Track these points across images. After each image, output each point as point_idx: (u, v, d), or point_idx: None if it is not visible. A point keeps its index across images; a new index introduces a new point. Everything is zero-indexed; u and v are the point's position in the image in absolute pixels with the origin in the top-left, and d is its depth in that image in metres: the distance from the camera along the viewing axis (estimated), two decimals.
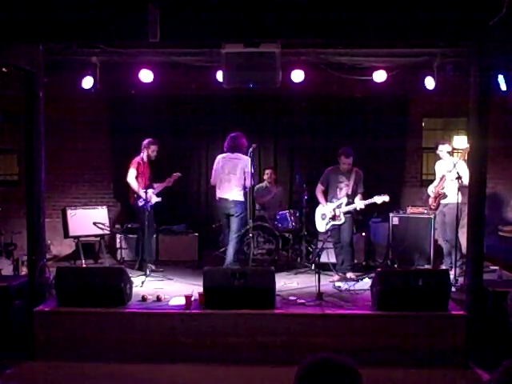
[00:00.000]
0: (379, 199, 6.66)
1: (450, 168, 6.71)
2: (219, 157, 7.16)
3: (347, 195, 6.80)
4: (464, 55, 5.79)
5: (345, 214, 6.77)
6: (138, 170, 7.15)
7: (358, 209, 6.79)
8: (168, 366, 4.96)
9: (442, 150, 6.99)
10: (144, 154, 7.23)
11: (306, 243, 7.76)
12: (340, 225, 6.82)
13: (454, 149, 7.55)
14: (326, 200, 6.96)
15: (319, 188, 7.02)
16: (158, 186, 7.42)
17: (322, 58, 6.45)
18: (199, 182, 9.05)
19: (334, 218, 6.81)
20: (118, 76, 7.56)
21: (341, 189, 6.85)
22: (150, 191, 7.15)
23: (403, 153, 8.86)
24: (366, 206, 6.76)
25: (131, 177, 7.14)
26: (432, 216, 7.26)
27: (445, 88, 7.09)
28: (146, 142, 7.25)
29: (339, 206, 6.80)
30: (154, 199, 7.27)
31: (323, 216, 6.92)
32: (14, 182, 9.17)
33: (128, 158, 7.36)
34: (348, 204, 6.77)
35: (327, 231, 6.90)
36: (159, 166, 7.69)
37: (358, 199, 6.79)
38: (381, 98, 8.36)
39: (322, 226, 6.96)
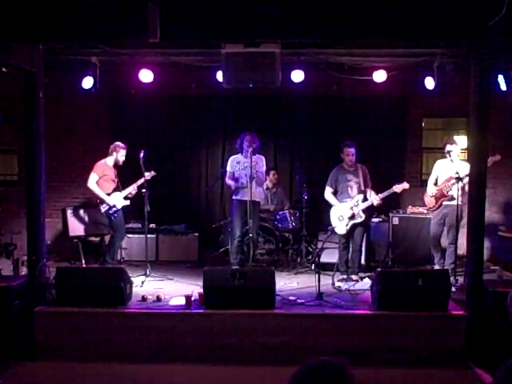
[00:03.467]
0: (399, 188, 6.59)
1: (464, 170, 6.26)
2: None
3: (361, 192, 6.67)
4: (464, 55, 5.79)
5: (363, 211, 6.62)
6: (99, 174, 6.94)
7: (375, 204, 6.65)
8: (168, 366, 4.95)
9: (452, 149, 6.72)
10: (110, 158, 7.05)
11: (305, 243, 7.77)
12: (360, 223, 6.63)
13: (461, 150, 7.33)
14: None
15: (328, 190, 6.78)
16: (128, 190, 7.08)
17: (321, 58, 6.44)
18: (199, 182, 9.05)
19: (353, 216, 6.59)
20: (118, 76, 7.55)
21: (351, 187, 6.68)
22: (115, 195, 6.98)
23: (403, 153, 8.87)
24: (383, 198, 6.63)
25: (92, 182, 6.92)
26: (432, 216, 7.20)
27: (445, 88, 7.08)
28: (115, 145, 7.06)
29: (356, 204, 6.62)
30: (121, 203, 7.02)
31: (340, 218, 6.66)
32: (14, 182, 9.17)
33: (128, 157, 7.30)
34: (364, 200, 6.64)
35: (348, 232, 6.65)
36: (160, 167, 7.67)
37: (372, 195, 6.65)
38: (381, 98, 8.37)
39: (342, 228, 6.65)
